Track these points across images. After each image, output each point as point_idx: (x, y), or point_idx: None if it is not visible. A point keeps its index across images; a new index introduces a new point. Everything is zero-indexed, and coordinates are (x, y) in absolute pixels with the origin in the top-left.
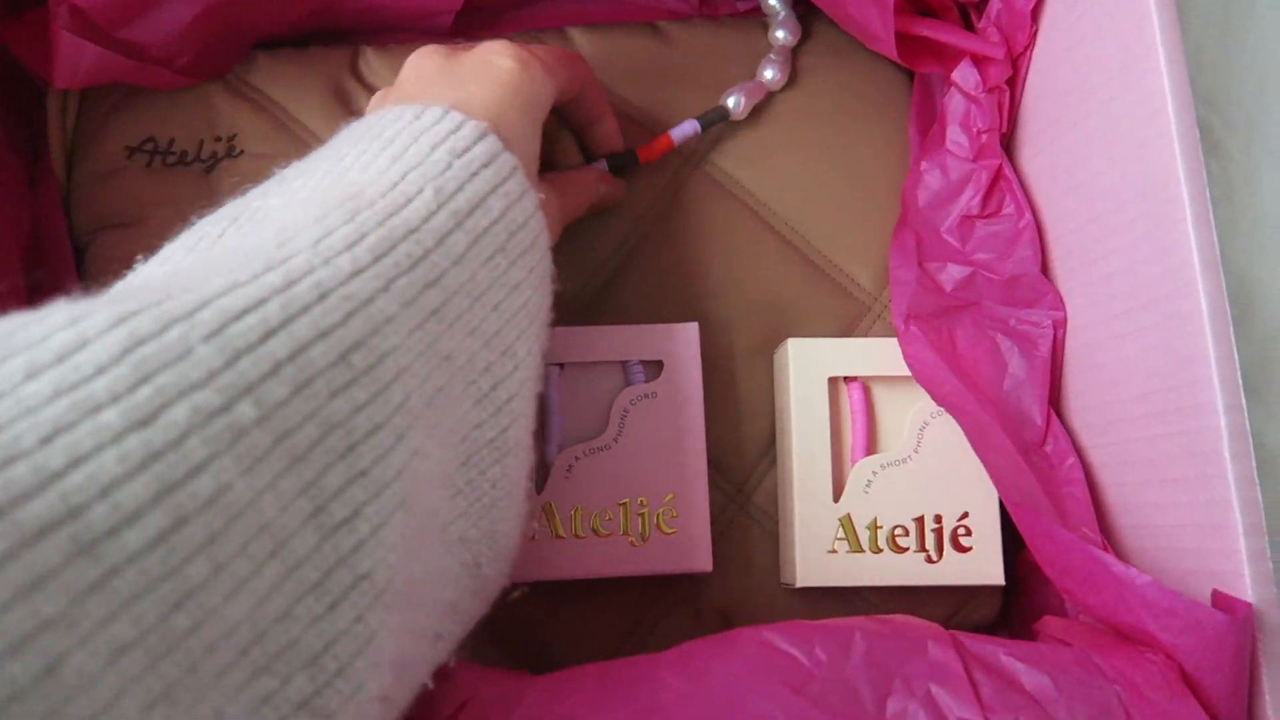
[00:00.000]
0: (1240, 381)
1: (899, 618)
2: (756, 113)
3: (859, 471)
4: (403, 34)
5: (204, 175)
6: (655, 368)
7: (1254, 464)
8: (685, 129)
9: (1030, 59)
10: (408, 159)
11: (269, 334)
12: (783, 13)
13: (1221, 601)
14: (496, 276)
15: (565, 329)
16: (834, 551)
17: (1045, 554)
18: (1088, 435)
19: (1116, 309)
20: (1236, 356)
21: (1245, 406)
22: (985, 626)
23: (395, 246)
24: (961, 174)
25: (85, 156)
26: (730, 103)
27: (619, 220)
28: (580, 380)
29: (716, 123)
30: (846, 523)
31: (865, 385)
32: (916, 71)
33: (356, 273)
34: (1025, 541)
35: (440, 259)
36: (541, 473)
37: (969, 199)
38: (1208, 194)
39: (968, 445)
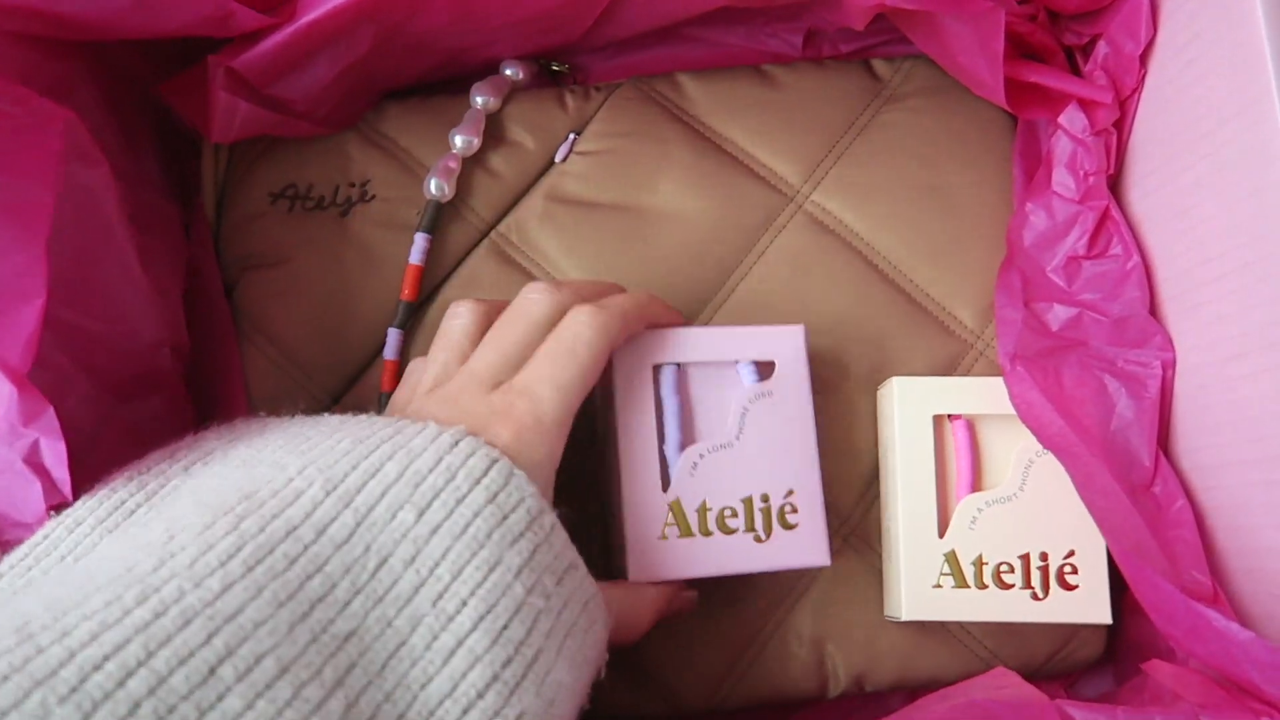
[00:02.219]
0: None
1: (1010, 684)
2: (859, 149)
3: (964, 508)
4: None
5: (339, 218)
6: (766, 368)
7: None
8: None
9: (1138, 102)
10: (313, 453)
11: (128, 675)
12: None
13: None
14: (403, 534)
15: (680, 330)
16: (939, 586)
17: (1150, 603)
18: (1198, 477)
19: (1230, 351)
20: None
21: None
22: (1090, 663)
23: (273, 550)
24: (1068, 215)
25: (233, 202)
26: (432, 186)
27: (717, 261)
28: (698, 380)
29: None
30: (952, 558)
31: (970, 422)
32: (1024, 118)
33: (226, 588)
34: (1130, 587)
35: (324, 548)
36: (664, 471)
37: (1075, 240)
38: None
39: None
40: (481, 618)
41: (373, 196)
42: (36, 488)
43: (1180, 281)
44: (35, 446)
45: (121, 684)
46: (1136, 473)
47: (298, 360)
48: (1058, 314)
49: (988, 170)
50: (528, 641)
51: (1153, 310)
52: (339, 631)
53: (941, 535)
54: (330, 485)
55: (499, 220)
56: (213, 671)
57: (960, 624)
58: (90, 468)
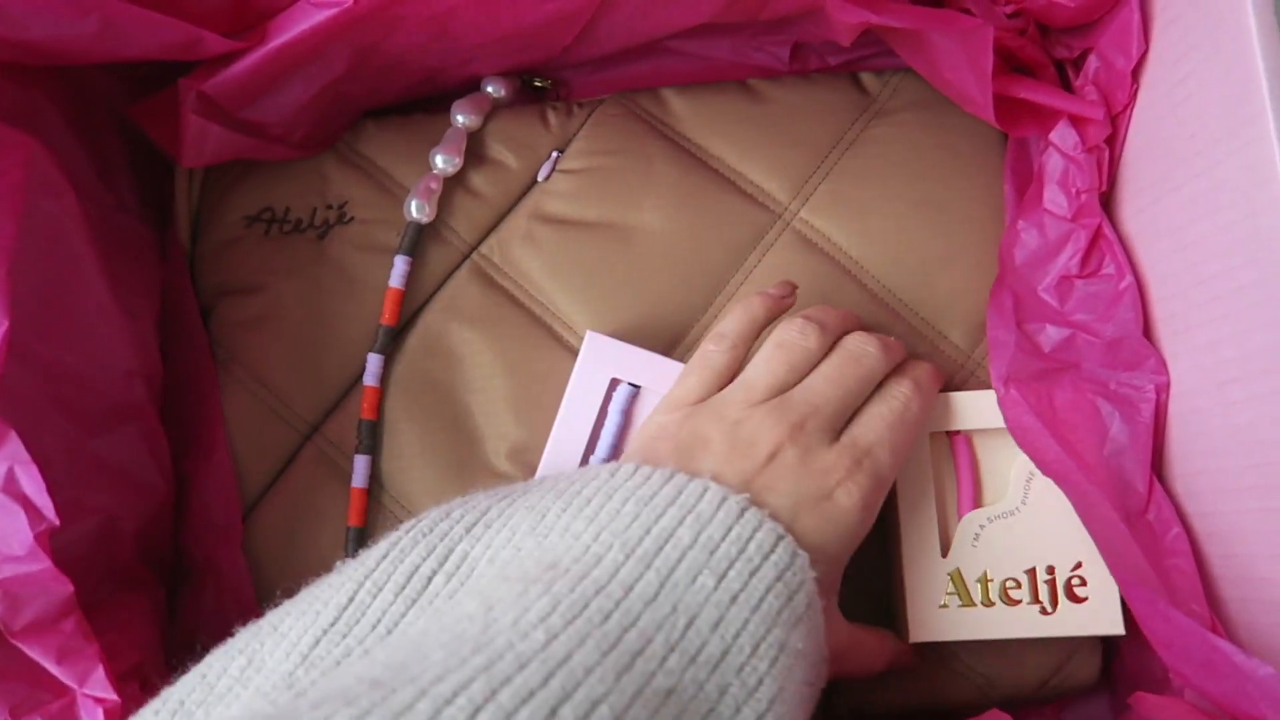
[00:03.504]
0: None
1: None
2: (847, 165)
3: (966, 525)
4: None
5: (317, 241)
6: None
7: None
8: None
9: (1130, 118)
10: (600, 518)
11: (476, 710)
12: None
13: None
14: (705, 598)
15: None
16: (945, 606)
17: (1159, 635)
18: (1193, 503)
19: (1224, 376)
20: None
21: None
22: (1085, 688)
23: (587, 605)
24: (1060, 233)
25: (208, 226)
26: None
27: (703, 281)
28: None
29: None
30: (956, 577)
31: (968, 438)
32: (1015, 135)
33: (552, 638)
34: (1136, 620)
35: (634, 603)
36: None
37: (1068, 259)
38: None
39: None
40: (774, 698)
41: (351, 219)
42: (21, 517)
43: (1175, 302)
44: (10, 475)
45: (473, 716)
46: (1131, 499)
47: (275, 388)
48: (1050, 335)
49: (978, 186)
50: None
51: (1147, 331)
52: (660, 687)
53: (945, 554)
54: (627, 549)
55: (481, 241)
56: (554, 712)
57: (955, 651)
58: (63, 501)
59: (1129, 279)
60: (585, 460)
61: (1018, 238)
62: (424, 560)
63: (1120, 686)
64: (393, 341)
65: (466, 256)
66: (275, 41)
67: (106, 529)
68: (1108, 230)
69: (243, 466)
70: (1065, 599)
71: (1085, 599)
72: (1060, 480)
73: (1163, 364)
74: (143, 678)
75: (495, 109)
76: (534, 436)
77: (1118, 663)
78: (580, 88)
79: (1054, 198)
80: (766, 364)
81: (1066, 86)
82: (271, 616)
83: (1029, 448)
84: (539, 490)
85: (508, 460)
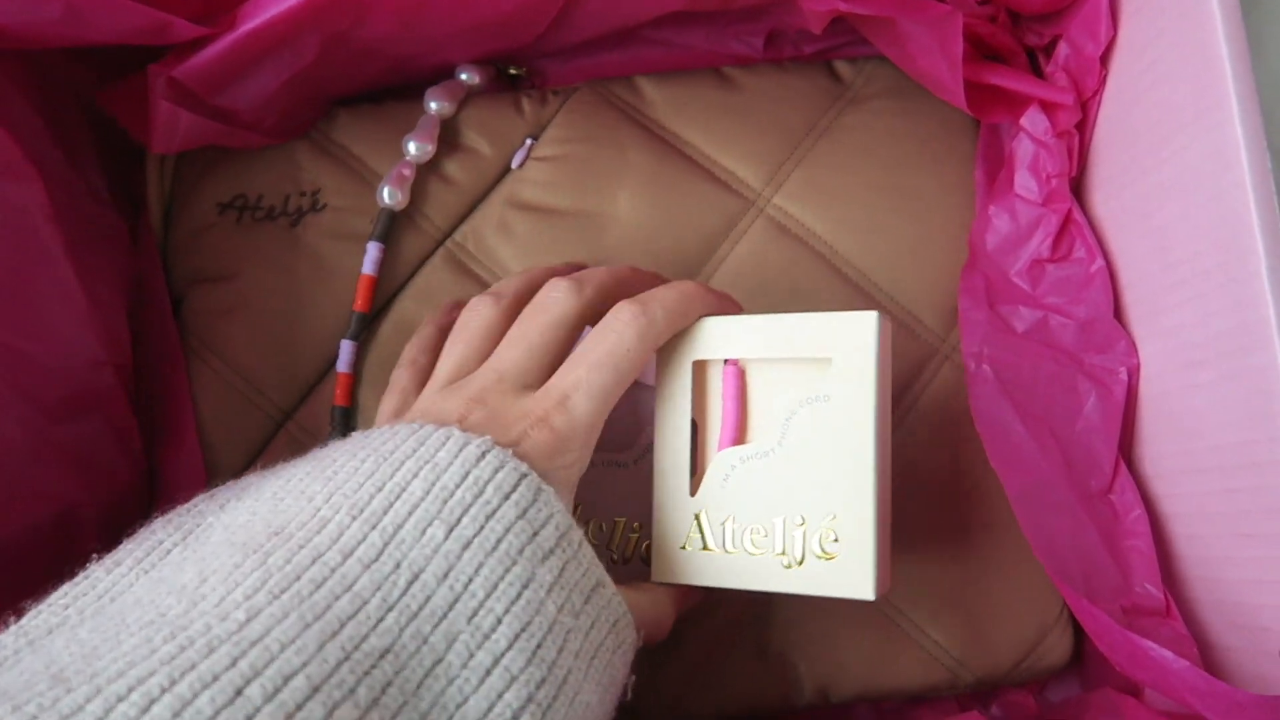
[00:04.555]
0: None
1: None
2: (821, 151)
3: (719, 464)
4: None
5: (290, 229)
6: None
7: None
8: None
9: (1100, 103)
10: (338, 478)
11: (151, 702)
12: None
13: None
14: (435, 549)
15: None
16: (685, 548)
17: (1091, 630)
18: (1159, 485)
19: (1190, 358)
20: None
21: None
22: (1058, 669)
23: (299, 577)
24: (1031, 218)
25: (180, 213)
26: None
27: (678, 267)
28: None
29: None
30: (700, 518)
31: (741, 369)
32: (986, 121)
33: (252, 617)
34: (1073, 612)
35: (351, 568)
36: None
37: (1039, 243)
38: None
39: (842, 440)
40: (517, 635)
41: (324, 206)
42: None
43: (1143, 287)
44: None
45: (145, 710)
46: (1095, 479)
47: (248, 376)
48: (1024, 316)
49: (951, 172)
50: (559, 661)
51: (1118, 314)
52: (372, 648)
53: (694, 493)
54: (356, 510)
55: (454, 229)
56: (239, 692)
57: (926, 634)
58: (28, 490)
59: (1100, 262)
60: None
61: (989, 223)
62: (169, 536)
63: (1089, 665)
64: (366, 328)
65: (440, 244)
66: (245, 27)
67: (68, 517)
68: (1078, 215)
69: (215, 454)
70: (814, 554)
71: (835, 556)
72: (1013, 469)
73: (1133, 346)
74: None
75: (469, 96)
76: None
77: (1089, 644)
78: (555, 75)
79: (1025, 183)
80: (446, 352)
81: (1038, 73)
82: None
83: (989, 432)
84: (305, 458)
85: None
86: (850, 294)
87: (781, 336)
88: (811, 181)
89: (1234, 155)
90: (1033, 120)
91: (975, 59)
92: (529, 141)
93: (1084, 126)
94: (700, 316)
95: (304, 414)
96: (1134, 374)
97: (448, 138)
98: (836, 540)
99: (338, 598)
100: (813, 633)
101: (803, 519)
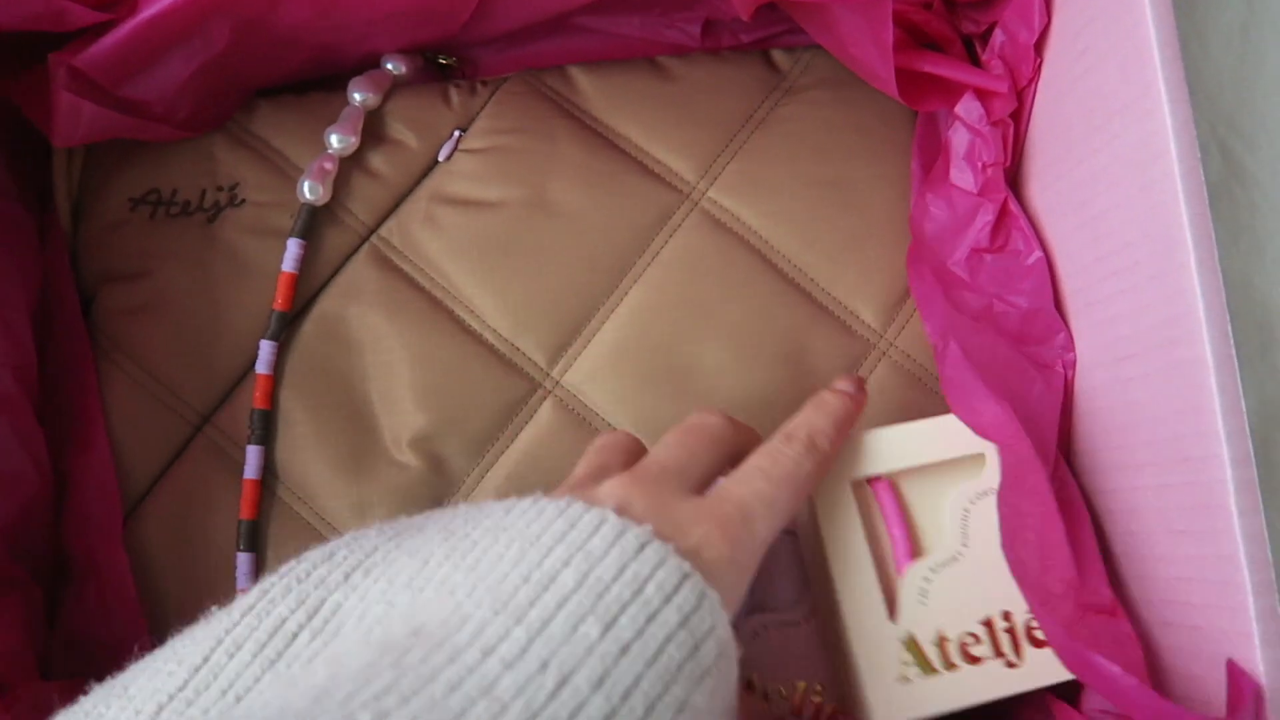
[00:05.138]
0: (1249, 433)
1: None
2: (756, 143)
3: (910, 580)
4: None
5: (207, 225)
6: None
7: (1263, 520)
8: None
9: (1035, 92)
10: (480, 566)
11: None
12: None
13: (1236, 676)
14: (588, 649)
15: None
16: (906, 679)
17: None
18: (1096, 480)
19: (1124, 351)
20: (1244, 406)
21: (1254, 457)
22: None
23: (434, 678)
24: (967, 208)
25: (91, 209)
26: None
27: (610, 263)
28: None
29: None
30: (911, 643)
31: (892, 482)
32: (920, 110)
33: (380, 718)
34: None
35: (491, 667)
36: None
37: (976, 232)
38: (1213, 239)
39: None
40: None
41: (243, 201)
42: None
43: (1079, 278)
44: None
45: None
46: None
47: (162, 378)
48: (969, 301)
49: (890, 164)
50: None
51: (1058, 306)
52: None
53: (893, 617)
54: (499, 604)
55: (380, 224)
56: None
57: None
58: None
59: (1037, 253)
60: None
61: (927, 211)
62: (292, 613)
63: None
64: (286, 328)
65: (365, 239)
66: (146, 13)
67: None
68: (1014, 205)
69: (128, 460)
70: (1029, 645)
71: (1048, 641)
72: (1000, 444)
73: (1070, 339)
74: (8, 684)
75: (396, 87)
76: (436, 424)
77: None
78: (487, 65)
79: (961, 172)
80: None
81: (976, 62)
82: (126, 674)
83: (965, 409)
84: (433, 528)
85: (409, 449)
86: (785, 289)
87: (928, 442)
88: (747, 174)
89: (1163, 145)
90: (967, 108)
91: (910, 46)
92: (457, 133)
93: (1020, 115)
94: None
95: (222, 417)
96: (1070, 367)
97: (373, 129)
98: None
99: (474, 701)
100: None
101: (1007, 613)
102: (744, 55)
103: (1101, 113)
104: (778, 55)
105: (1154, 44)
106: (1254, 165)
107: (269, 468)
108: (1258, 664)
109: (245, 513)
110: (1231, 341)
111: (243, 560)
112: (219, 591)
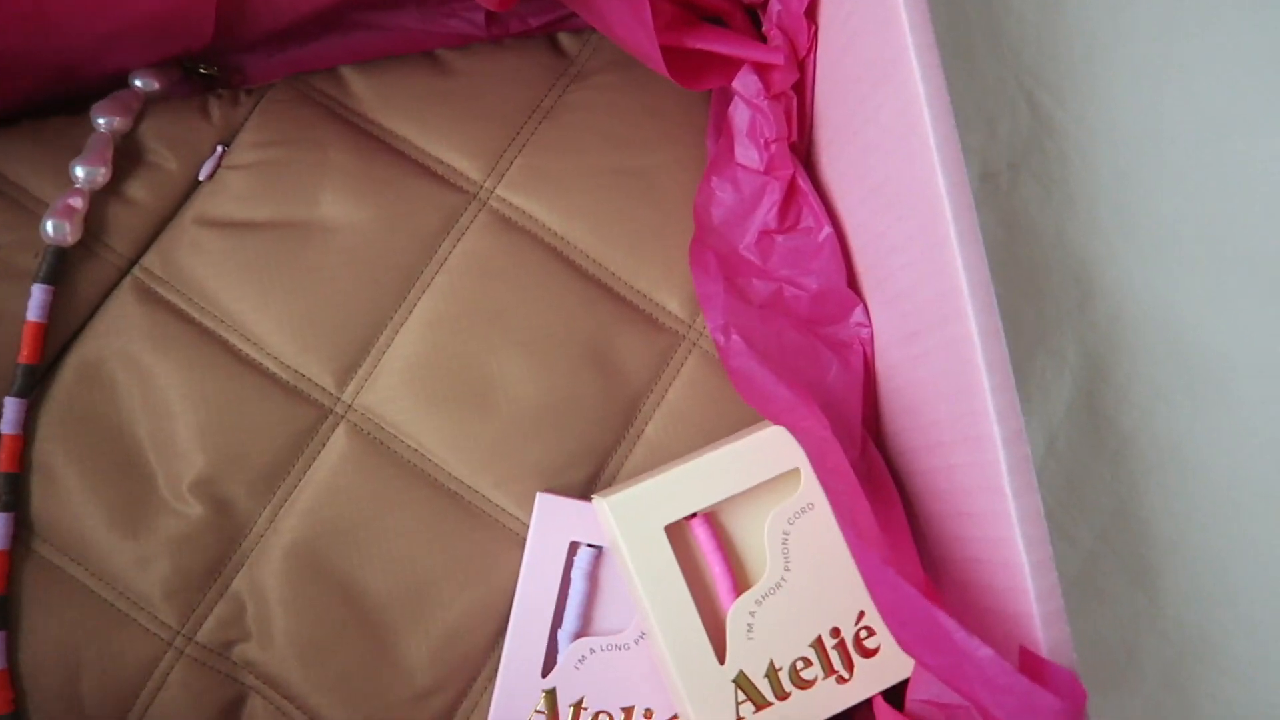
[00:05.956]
0: (1019, 409)
1: None
2: (544, 135)
3: (736, 617)
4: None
5: None
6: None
7: (1039, 500)
8: None
9: (815, 63)
10: None
11: None
12: (140, 82)
13: (1028, 662)
14: None
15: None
16: (741, 719)
17: (883, 602)
18: (904, 461)
19: (909, 328)
20: (1013, 382)
21: (1024, 426)
22: None
23: None
24: (755, 188)
25: None
26: (49, 228)
27: (393, 275)
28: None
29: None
30: (743, 681)
31: (708, 516)
32: (695, 89)
33: None
34: (865, 583)
35: None
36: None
37: (765, 213)
38: (974, 210)
39: (839, 536)
40: None
41: None
42: None
43: (868, 254)
44: None
45: None
46: (848, 453)
47: None
48: (757, 289)
49: (685, 147)
50: None
51: (851, 284)
52: None
53: (722, 660)
54: None
55: (140, 255)
56: None
57: None
58: None
59: (827, 230)
60: (553, 634)
61: (712, 195)
62: None
63: None
64: (38, 382)
65: (125, 273)
66: None
67: None
68: (802, 181)
69: None
70: (859, 657)
71: (877, 649)
72: (797, 432)
73: (868, 314)
74: None
75: (148, 105)
76: (218, 464)
77: None
78: (255, 72)
79: (745, 151)
80: None
81: (762, 38)
82: None
83: (757, 398)
84: None
85: (190, 493)
86: (585, 286)
87: (739, 467)
88: (536, 169)
89: (916, 115)
90: (745, 83)
91: (682, 22)
92: (219, 149)
93: (802, 87)
94: None
95: None
96: (867, 344)
97: (128, 153)
98: (872, 634)
99: None
100: None
101: (835, 629)
102: (528, 42)
103: (867, 82)
104: (564, 39)
105: (901, 8)
106: (1063, 118)
107: (32, 531)
108: (1041, 646)
109: None
110: (997, 314)
111: None
112: None
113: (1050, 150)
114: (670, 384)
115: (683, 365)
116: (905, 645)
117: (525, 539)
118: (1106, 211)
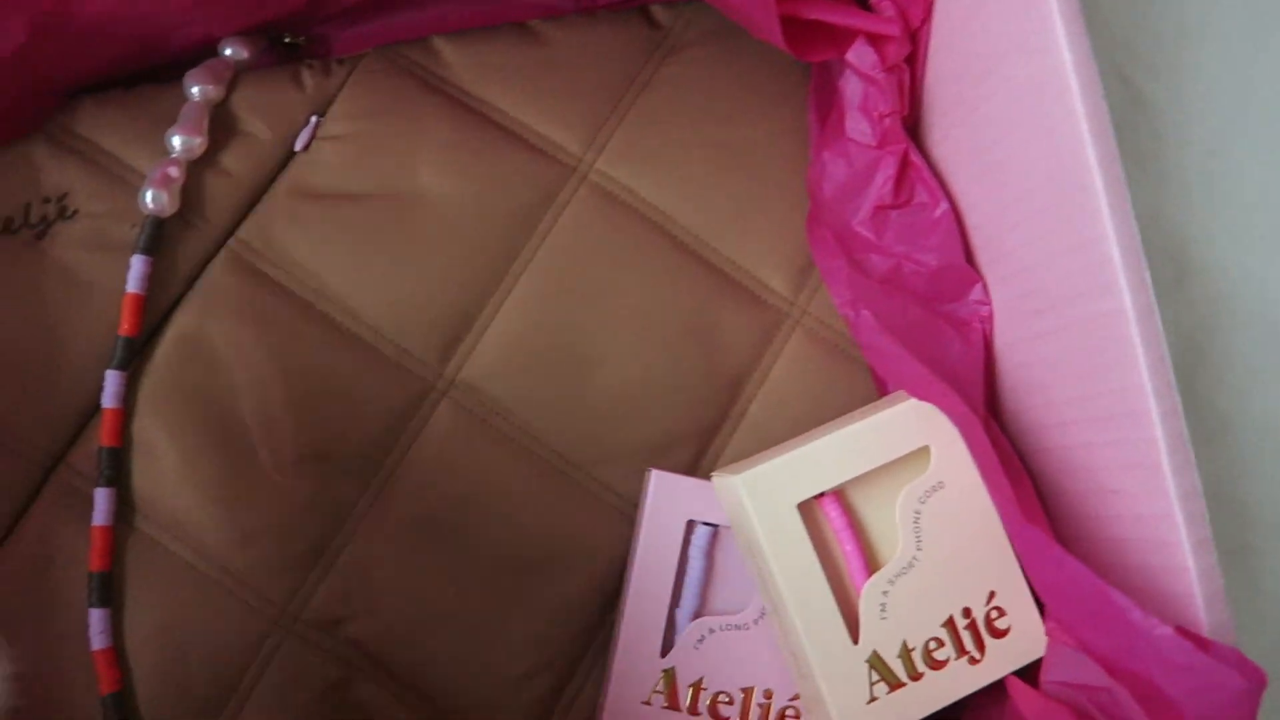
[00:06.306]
0: (1174, 383)
1: None
2: (643, 108)
3: (869, 598)
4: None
5: (35, 242)
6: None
7: (1196, 476)
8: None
9: (929, 34)
10: None
11: None
12: (230, 50)
13: (1187, 638)
14: None
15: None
16: (874, 699)
17: (1043, 578)
18: (1025, 440)
19: (1037, 305)
20: (1168, 357)
21: (1180, 403)
22: None
23: None
24: (867, 162)
25: None
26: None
27: (494, 249)
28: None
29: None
30: (876, 661)
31: (838, 495)
32: (808, 60)
33: None
34: (1020, 559)
35: None
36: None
37: (879, 188)
38: (1124, 181)
39: (969, 514)
40: None
41: (74, 212)
42: None
43: (986, 230)
44: None
45: None
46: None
47: (1, 420)
48: (876, 265)
49: (785, 120)
50: None
51: (968, 260)
52: None
53: (856, 639)
54: None
55: (236, 226)
56: None
57: None
58: None
59: (944, 205)
60: (671, 614)
61: (824, 170)
62: None
63: None
64: (137, 354)
65: (222, 245)
66: None
67: None
68: (915, 157)
69: None
70: (990, 638)
71: (1007, 630)
72: (942, 408)
73: (986, 292)
74: None
75: (239, 74)
76: (321, 442)
77: None
78: (341, 43)
79: (857, 125)
80: None
81: (865, 6)
82: None
83: (893, 374)
84: None
85: (292, 468)
86: (687, 262)
87: (869, 445)
88: (635, 142)
89: (1063, 82)
90: (859, 54)
91: None
92: (314, 119)
93: (915, 60)
94: None
95: (77, 457)
96: (987, 322)
97: (220, 123)
98: (1003, 614)
99: None
100: None
101: (966, 609)
102: (621, 14)
103: (997, 50)
104: (658, 11)
105: None
106: (1155, 93)
107: (132, 508)
108: (1203, 626)
109: (95, 564)
110: (1151, 290)
111: (96, 617)
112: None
113: (1142, 127)
114: (773, 363)
115: (786, 344)
116: (1067, 623)
117: (630, 516)
118: (1200, 190)
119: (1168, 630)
